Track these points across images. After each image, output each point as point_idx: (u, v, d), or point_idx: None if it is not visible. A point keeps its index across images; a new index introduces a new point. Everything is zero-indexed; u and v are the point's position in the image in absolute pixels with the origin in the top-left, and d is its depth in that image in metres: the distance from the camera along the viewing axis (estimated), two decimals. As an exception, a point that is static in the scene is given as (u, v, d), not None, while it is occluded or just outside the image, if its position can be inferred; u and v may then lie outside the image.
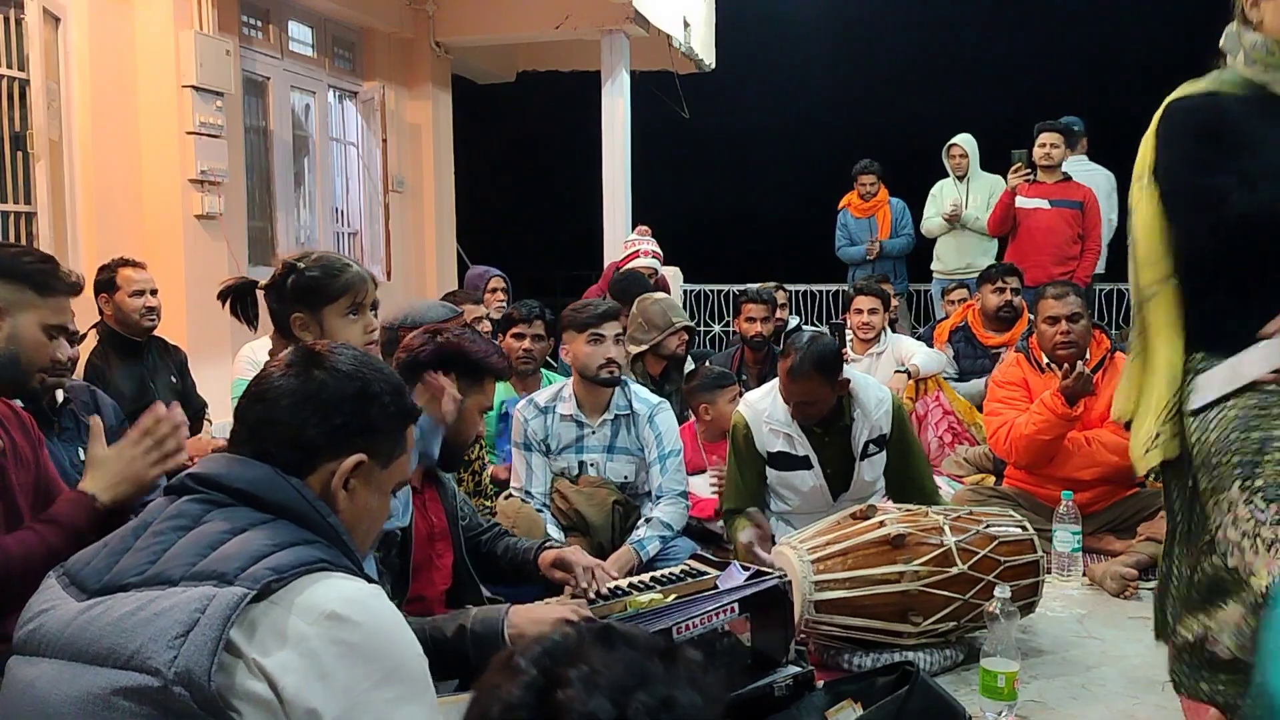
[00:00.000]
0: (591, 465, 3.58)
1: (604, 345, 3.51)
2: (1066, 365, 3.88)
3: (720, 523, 3.67)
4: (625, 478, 3.60)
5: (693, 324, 4.74)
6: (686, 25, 8.32)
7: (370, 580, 1.33)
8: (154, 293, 4.21)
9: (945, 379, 5.17)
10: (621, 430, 3.60)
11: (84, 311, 4.27)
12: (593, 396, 3.58)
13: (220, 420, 4.51)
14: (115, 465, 2.00)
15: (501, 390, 4.31)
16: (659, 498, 3.53)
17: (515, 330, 4.26)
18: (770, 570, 2.57)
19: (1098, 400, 3.95)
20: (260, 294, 2.47)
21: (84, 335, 4.11)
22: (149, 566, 1.24)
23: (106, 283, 4.17)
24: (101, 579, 1.25)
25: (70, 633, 1.21)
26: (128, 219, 5.23)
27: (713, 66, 9.13)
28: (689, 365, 4.76)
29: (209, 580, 1.19)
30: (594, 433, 3.58)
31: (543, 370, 4.46)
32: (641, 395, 3.68)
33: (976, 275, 6.11)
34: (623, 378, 3.63)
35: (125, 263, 4.21)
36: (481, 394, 2.59)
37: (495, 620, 2.16)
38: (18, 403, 2.17)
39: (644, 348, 4.41)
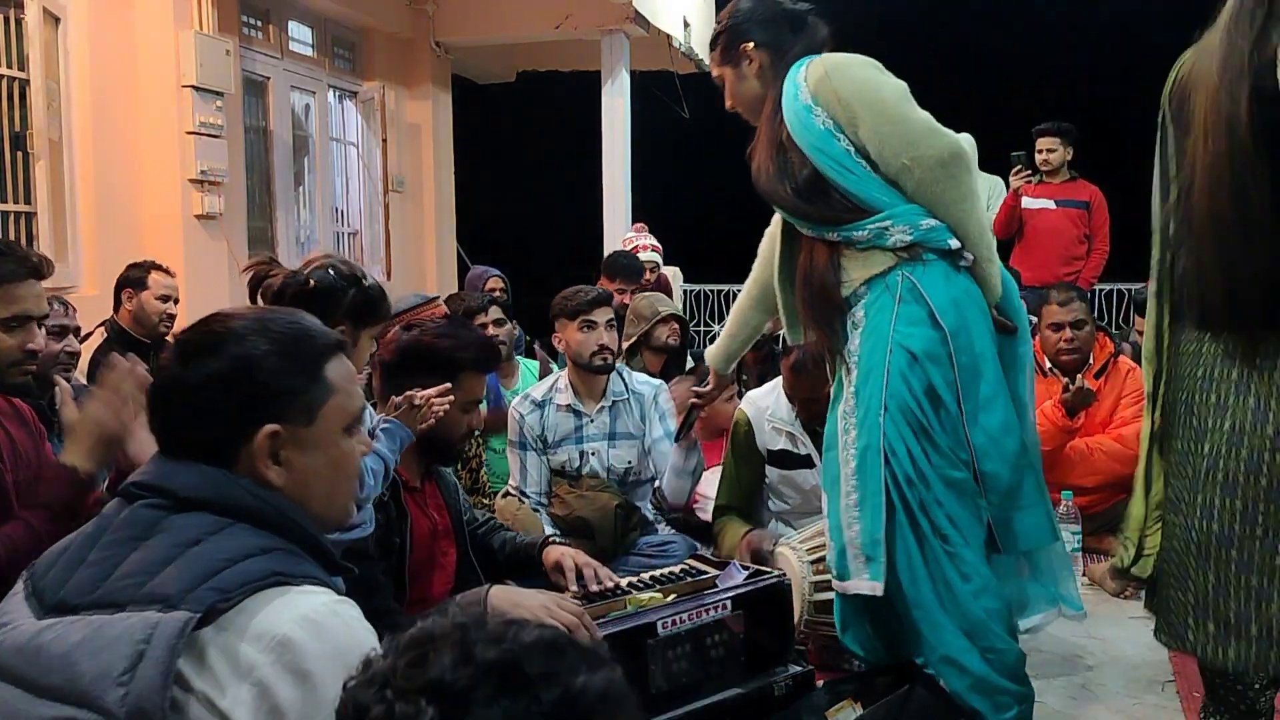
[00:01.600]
0: (593, 454, 3.58)
1: (596, 331, 3.53)
2: (1067, 379, 3.88)
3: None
4: (628, 463, 3.60)
5: (680, 313, 4.75)
6: (686, 25, 8.31)
7: (340, 569, 1.28)
8: (176, 301, 4.26)
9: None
10: (620, 414, 3.62)
11: (93, 310, 4.28)
12: (588, 384, 3.59)
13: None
14: (86, 427, 1.95)
15: None
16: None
17: (476, 324, 4.29)
18: (770, 570, 2.57)
19: (1100, 407, 3.95)
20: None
21: (90, 334, 4.11)
22: (99, 585, 1.16)
23: (137, 280, 4.20)
24: (57, 594, 1.18)
25: (24, 660, 1.14)
26: (128, 219, 5.22)
27: (713, 66, 9.11)
28: (689, 364, 4.76)
29: (155, 604, 1.11)
30: (592, 421, 3.59)
31: (520, 359, 4.51)
32: (641, 379, 3.73)
33: None
34: (617, 364, 3.64)
35: (158, 266, 4.27)
36: (459, 389, 2.51)
37: (476, 603, 2.15)
38: (14, 397, 2.16)
39: (632, 340, 4.44)
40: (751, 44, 2.46)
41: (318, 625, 1.12)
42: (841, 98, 2.29)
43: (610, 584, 2.49)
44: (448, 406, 2.44)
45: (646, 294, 4.73)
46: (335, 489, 1.35)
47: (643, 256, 5.83)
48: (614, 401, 3.61)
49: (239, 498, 1.23)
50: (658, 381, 3.76)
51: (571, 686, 0.83)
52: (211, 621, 1.10)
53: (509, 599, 2.18)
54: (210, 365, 1.26)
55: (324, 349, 1.33)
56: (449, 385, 2.46)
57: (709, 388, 3.00)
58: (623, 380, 3.65)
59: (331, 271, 2.33)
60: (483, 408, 4.23)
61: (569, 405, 3.59)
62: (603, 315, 3.55)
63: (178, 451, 1.26)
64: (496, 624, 0.89)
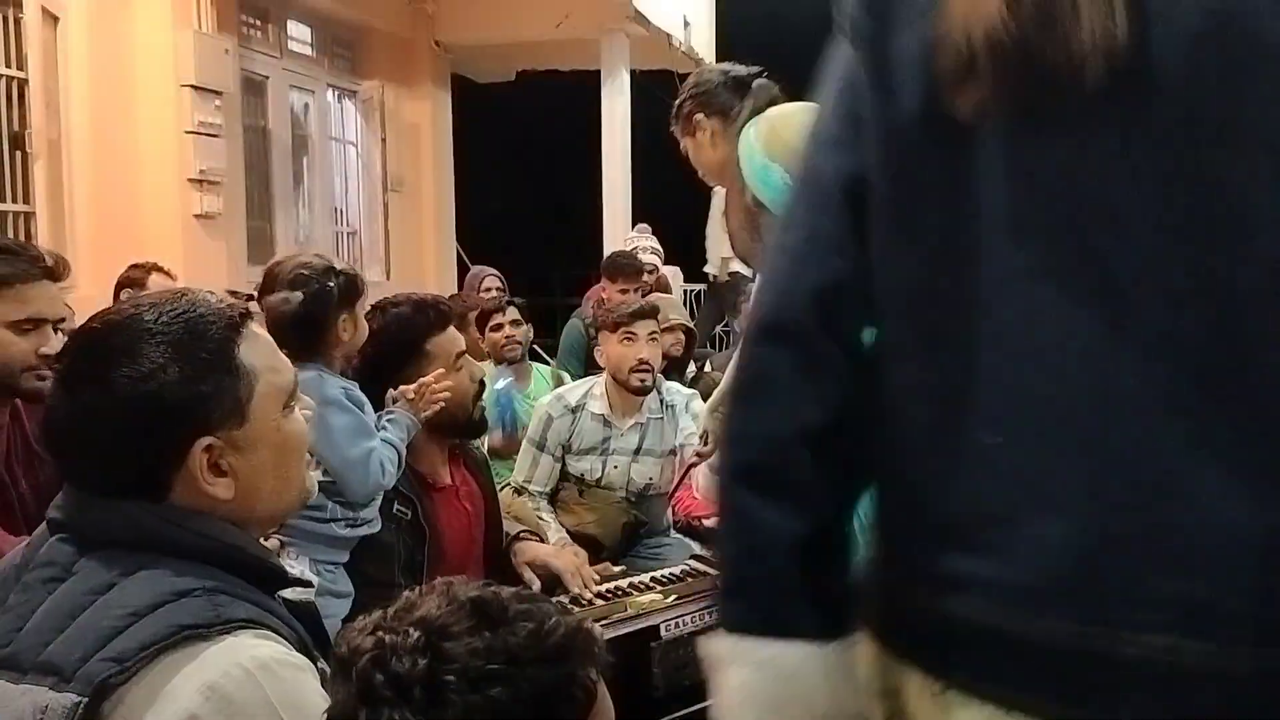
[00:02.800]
0: (615, 467, 3.49)
1: (636, 344, 3.39)
2: None
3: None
4: (649, 479, 3.51)
5: (690, 324, 4.71)
6: (686, 24, 8.30)
7: (292, 580, 1.18)
8: None
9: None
10: (651, 431, 3.51)
11: (93, 310, 4.26)
12: (624, 399, 3.47)
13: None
14: None
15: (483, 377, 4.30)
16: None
17: (492, 324, 4.29)
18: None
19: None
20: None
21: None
22: (11, 638, 1.05)
23: (138, 281, 4.19)
24: None
25: None
26: (127, 219, 5.21)
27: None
28: (690, 368, 4.74)
29: (49, 676, 0.99)
30: (622, 435, 3.48)
31: (532, 363, 4.49)
32: (675, 388, 3.63)
33: None
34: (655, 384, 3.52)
35: (159, 268, 4.24)
36: (438, 357, 2.48)
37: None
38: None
39: None
40: (701, 114, 2.55)
41: (226, 697, 0.98)
42: (795, 149, 2.34)
43: (612, 585, 2.49)
44: (449, 394, 2.43)
45: (659, 299, 4.66)
46: (287, 475, 1.20)
47: (641, 258, 5.80)
48: (649, 419, 3.49)
49: (159, 531, 1.08)
50: (690, 391, 3.68)
51: (545, 622, 0.92)
52: (108, 696, 0.97)
53: (533, 551, 2.43)
54: (105, 397, 1.08)
55: (228, 332, 1.13)
56: (443, 371, 2.45)
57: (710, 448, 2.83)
58: (660, 397, 3.52)
59: (308, 274, 2.30)
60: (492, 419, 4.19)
61: (601, 415, 3.47)
62: (644, 328, 3.40)
63: (96, 491, 1.11)
64: (480, 583, 0.98)
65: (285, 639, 1.08)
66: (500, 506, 2.70)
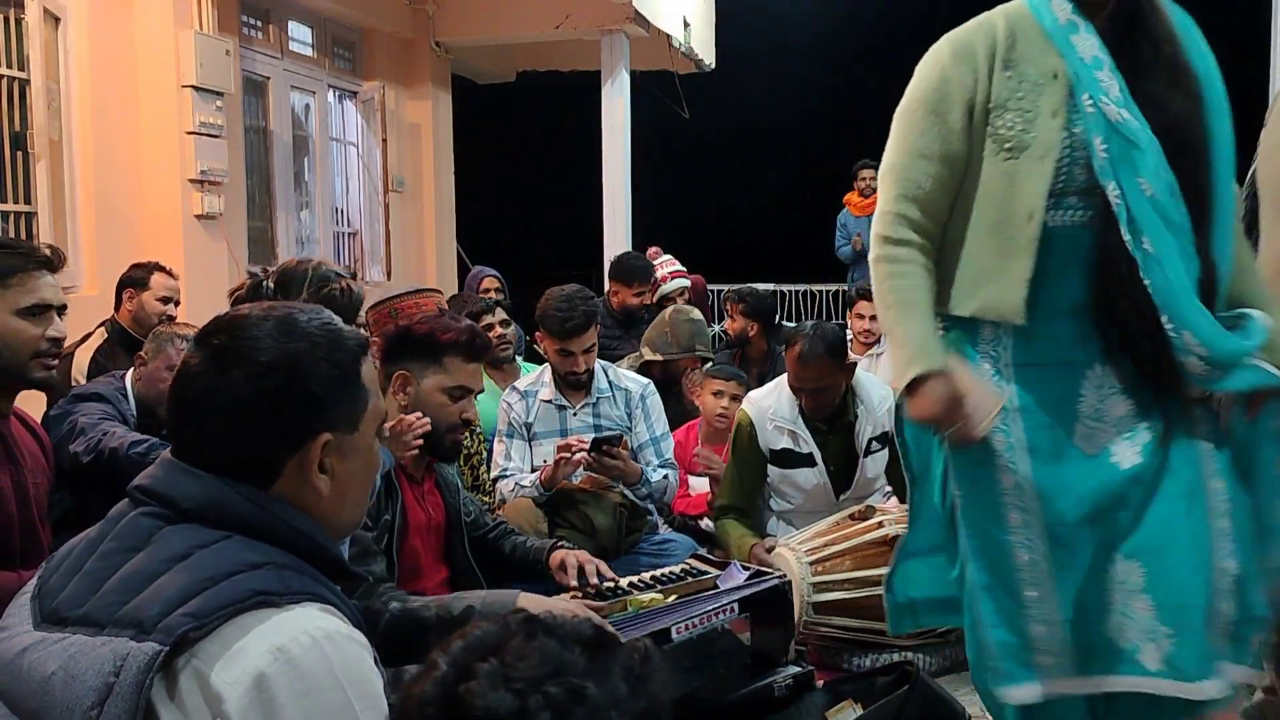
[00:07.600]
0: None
1: (573, 359, 3.52)
2: None
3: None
4: None
5: (711, 356, 4.67)
6: (686, 25, 8.32)
7: (354, 576, 1.23)
8: (176, 304, 4.27)
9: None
10: (604, 406, 3.62)
11: (93, 310, 4.29)
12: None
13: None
14: None
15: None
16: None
17: (482, 324, 4.30)
18: (770, 570, 2.57)
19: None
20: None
21: (89, 334, 4.12)
22: (87, 599, 1.12)
23: (140, 280, 4.21)
24: (53, 601, 1.15)
25: (9, 677, 1.11)
26: (128, 219, 5.23)
27: (713, 66, 9.13)
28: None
29: (129, 629, 1.06)
30: (575, 415, 3.59)
31: (522, 362, 4.50)
32: (629, 376, 3.72)
33: None
34: (597, 366, 3.64)
35: (161, 268, 4.27)
36: (443, 373, 2.52)
37: (505, 605, 2.18)
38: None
39: (659, 358, 4.35)
40: None
41: (292, 661, 1.04)
42: None
43: (609, 581, 2.50)
44: (426, 427, 2.44)
45: (692, 318, 4.50)
46: (365, 490, 1.31)
47: (670, 286, 5.72)
48: (598, 398, 3.62)
49: (239, 509, 1.16)
50: (645, 380, 3.74)
51: (640, 647, 0.94)
52: (185, 650, 1.05)
53: (539, 603, 2.21)
54: (261, 378, 1.17)
55: (358, 349, 1.26)
56: (419, 414, 2.47)
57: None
58: (607, 378, 3.65)
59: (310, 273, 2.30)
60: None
61: (552, 400, 3.60)
62: (580, 345, 3.51)
63: (201, 462, 1.18)
64: (549, 617, 0.97)
65: (346, 618, 1.15)
66: (467, 542, 2.70)
